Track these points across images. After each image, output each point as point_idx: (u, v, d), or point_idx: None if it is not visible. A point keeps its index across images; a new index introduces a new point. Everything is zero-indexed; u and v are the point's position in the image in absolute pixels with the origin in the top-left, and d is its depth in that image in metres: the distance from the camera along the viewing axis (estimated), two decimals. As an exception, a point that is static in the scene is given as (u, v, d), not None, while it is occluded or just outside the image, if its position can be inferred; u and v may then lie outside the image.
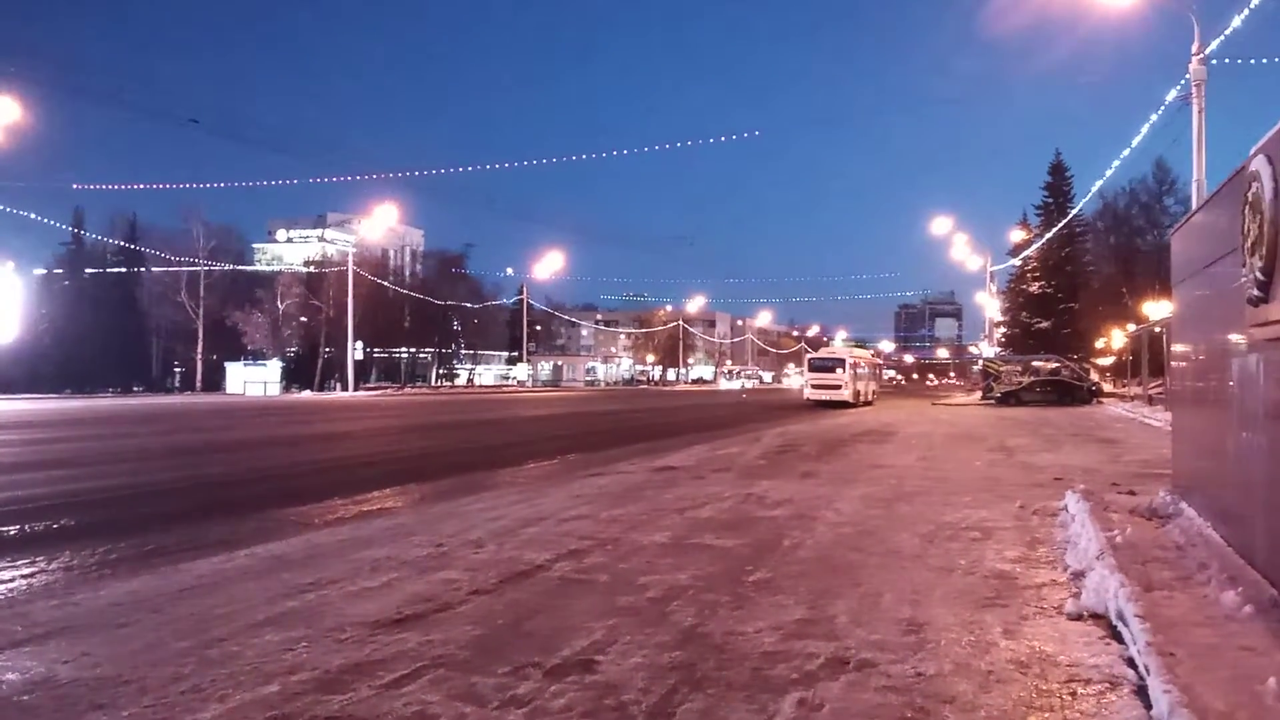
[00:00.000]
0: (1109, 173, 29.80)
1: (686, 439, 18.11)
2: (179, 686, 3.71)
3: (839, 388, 36.13)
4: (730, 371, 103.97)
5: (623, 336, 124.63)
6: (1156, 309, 36.51)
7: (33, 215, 47.86)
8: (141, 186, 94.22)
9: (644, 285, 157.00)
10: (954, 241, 58.56)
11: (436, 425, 24.55)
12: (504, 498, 9.32)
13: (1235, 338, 5.45)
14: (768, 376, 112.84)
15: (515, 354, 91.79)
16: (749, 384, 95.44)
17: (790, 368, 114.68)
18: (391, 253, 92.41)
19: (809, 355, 43.57)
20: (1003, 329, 63.27)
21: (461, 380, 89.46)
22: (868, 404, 38.11)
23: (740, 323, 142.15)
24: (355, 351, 59.64)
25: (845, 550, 6.42)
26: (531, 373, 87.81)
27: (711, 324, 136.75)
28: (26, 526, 7.89)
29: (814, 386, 36.78)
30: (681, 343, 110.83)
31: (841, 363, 37.24)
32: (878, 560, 6.08)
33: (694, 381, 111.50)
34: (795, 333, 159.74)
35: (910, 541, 6.76)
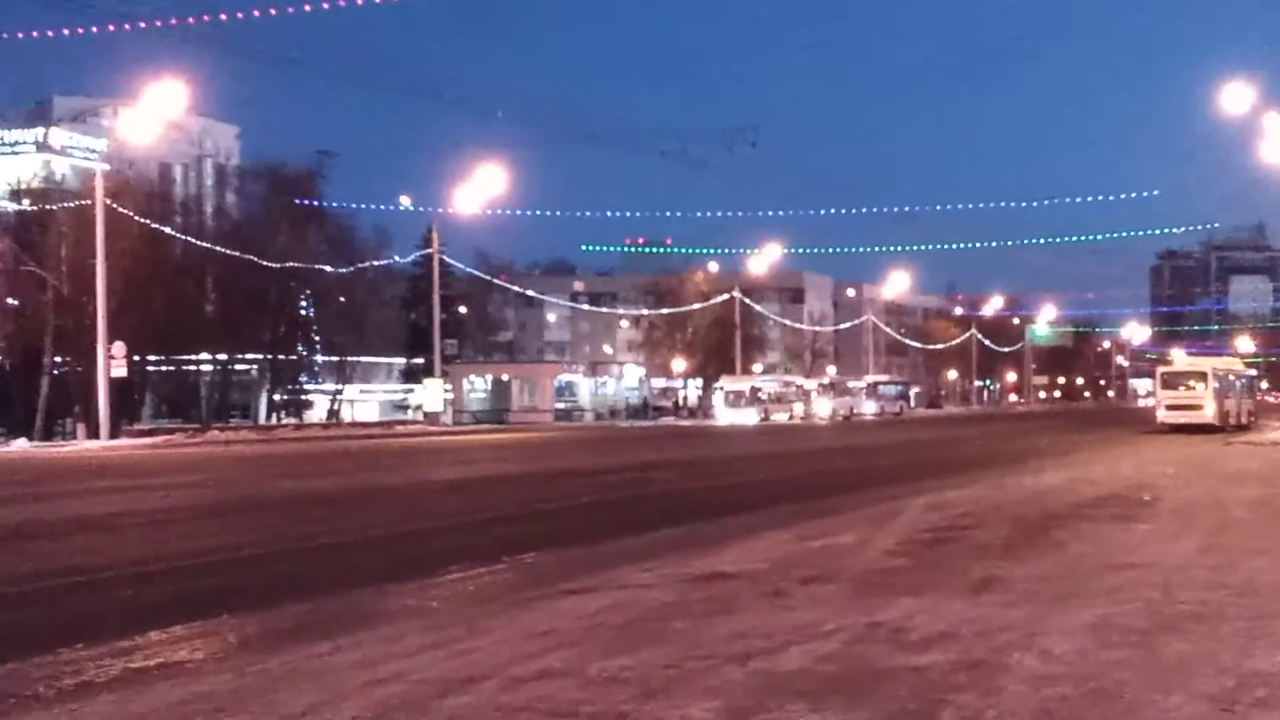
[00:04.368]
0: None
1: (752, 519, 17.52)
2: None
3: (1199, 407, 46.93)
4: (734, 394, 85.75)
5: (625, 323, 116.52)
6: None
7: None
8: None
9: (665, 226, 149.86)
10: (1261, 129, 52.26)
11: (271, 502, 23.43)
12: (402, 639, 8.72)
13: None
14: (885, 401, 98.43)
15: (420, 360, 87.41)
16: (781, 416, 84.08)
17: (819, 381, 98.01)
18: (179, 170, 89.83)
19: (1161, 369, 55.37)
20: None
21: (318, 413, 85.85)
22: (1241, 427, 49.14)
23: (851, 292, 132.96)
24: (114, 363, 55.61)
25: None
26: (451, 396, 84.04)
27: (796, 294, 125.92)
28: None
29: (1168, 407, 48.54)
30: (738, 331, 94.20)
31: (1203, 375, 48.99)
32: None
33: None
34: (959, 309, 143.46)
35: (1192, 711, 6.29)
